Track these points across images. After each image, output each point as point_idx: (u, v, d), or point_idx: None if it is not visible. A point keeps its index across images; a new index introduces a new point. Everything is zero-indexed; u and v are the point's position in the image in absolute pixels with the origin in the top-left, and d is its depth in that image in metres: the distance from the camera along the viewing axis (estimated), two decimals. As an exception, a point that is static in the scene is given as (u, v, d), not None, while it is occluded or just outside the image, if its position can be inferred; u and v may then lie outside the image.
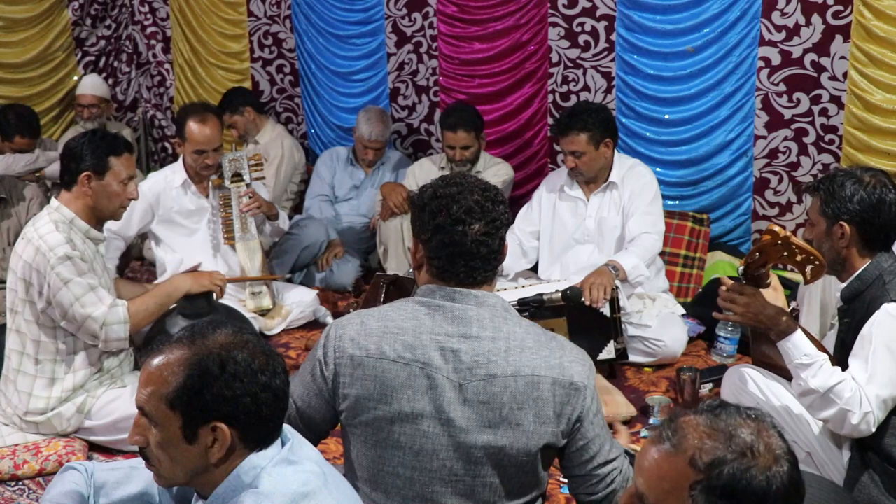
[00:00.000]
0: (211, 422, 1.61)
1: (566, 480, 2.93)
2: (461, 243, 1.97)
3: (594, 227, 4.02)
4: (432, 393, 1.94)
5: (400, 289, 3.93)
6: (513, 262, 4.12)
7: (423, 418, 1.95)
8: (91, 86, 5.55)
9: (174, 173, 4.14)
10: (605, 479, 2.03)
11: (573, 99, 4.83)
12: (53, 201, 3.16)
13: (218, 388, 1.60)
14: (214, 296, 3.48)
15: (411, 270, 4.15)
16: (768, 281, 2.51)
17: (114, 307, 3.10)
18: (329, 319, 4.33)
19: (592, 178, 4.02)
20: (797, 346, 2.48)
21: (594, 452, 2.02)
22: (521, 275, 4.19)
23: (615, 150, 4.02)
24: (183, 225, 4.15)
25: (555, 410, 1.95)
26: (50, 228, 3.06)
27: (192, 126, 4.00)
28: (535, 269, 4.25)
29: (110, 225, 3.97)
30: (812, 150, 4.37)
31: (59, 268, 3.01)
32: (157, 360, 1.65)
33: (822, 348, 2.62)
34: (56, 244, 3.02)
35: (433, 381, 1.94)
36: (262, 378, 1.63)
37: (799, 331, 2.50)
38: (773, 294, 2.49)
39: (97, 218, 3.21)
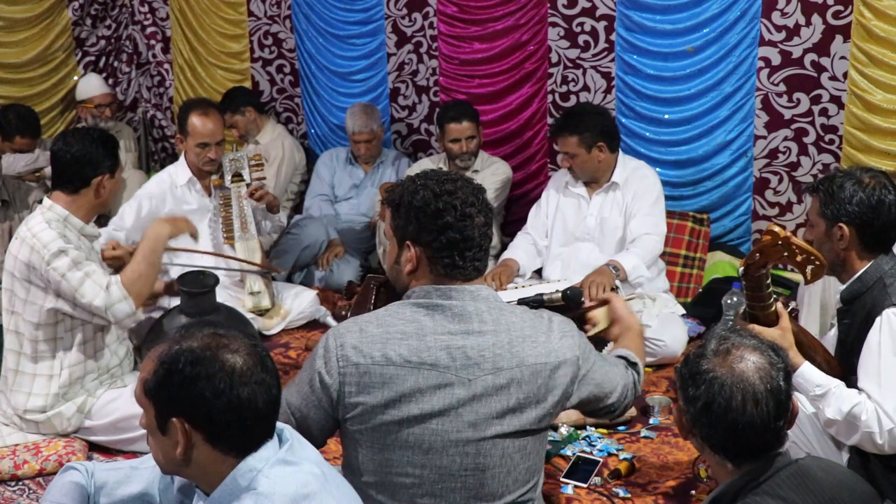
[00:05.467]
0: (171, 416, 1.65)
1: (567, 480, 2.96)
2: (470, 238, 2.03)
3: (594, 226, 4.02)
4: (441, 393, 1.96)
5: (390, 290, 3.92)
6: (528, 260, 4.14)
7: (432, 417, 1.97)
8: (99, 85, 5.60)
9: (177, 171, 4.15)
10: (619, 400, 2.21)
11: (573, 99, 4.83)
12: (46, 200, 3.16)
13: (174, 386, 1.64)
14: (214, 294, 3.48)
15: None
16: (772, 309, 2.47)
17: (108, 288, 3.07)
18: (329, 319, 4.33)
19: (593, 179, 4.03)
20: (808, 380, 2.46)
21: (606, 391, 2.16)
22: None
23: (617, 153, 4.02)
24: None
25: (553, 393, 2.03)
26: (43, 227, 3.06)
27: (195, 120, 4.01)
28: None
29: (116, 223, 3.99)
30: (812, 150, 4.37)
31: (54, 263, 3.01)
32: (153, 350, 1.72)
33: (822, 347, 2.62)
34: (49, 240, 3.02)
35: (441, 381, 1.96)
36: (220, 385, 1.62)
37: (806, 363, 2.48)
38: (779, 333, 2.47)
39: (96, 214, 3.24)
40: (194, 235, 3.49)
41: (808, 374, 2.46)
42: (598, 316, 2.52)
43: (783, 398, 1.77)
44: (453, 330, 1.99)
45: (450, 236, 2.01)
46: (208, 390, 1.62)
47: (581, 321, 2.46)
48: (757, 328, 2.44)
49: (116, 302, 3.07)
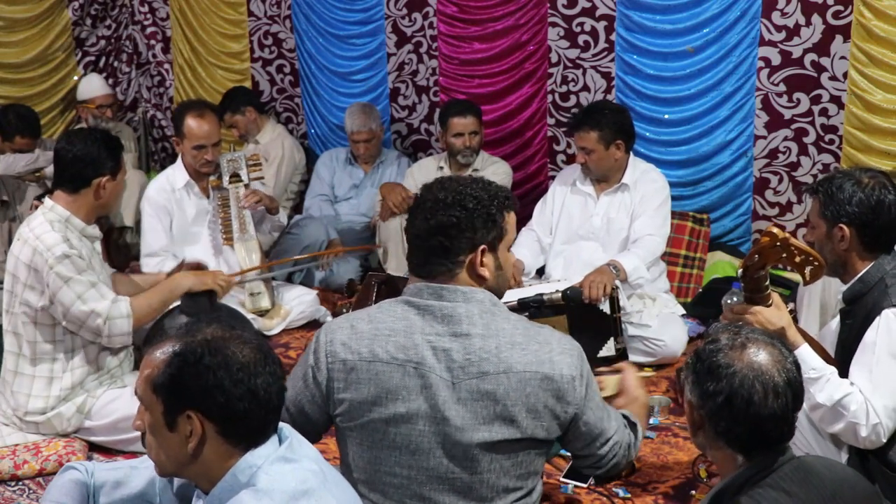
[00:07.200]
0: (185, 410, 1.65)
1: (566, 480, 2.96)
2: (413, 236, 2.08)
3: (600, 226, 4.03)
4: (426, 392, 1.96)
5: (392, 288, 3.94)
6: (532, 259, 4.14)
7: (419, 418, 1.96)
8: (101, 86, 5.61)
9: (175, 174, 4.14)
10: (608, 455, 2.14)
11: (573, 99, 4.83)
12: (47, 201, 3.16)
13: (191, 377, 1.65)
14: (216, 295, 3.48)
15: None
16: (770, 302, 2.49)
17: (116, 302, 3.09)
18: (329, 319, 4.33)
19: (603, 178, 4.04)
20: (804, 361, 2.45)
21: (595, 435, 2.10)
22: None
23: (630, 154, 4.03)
24: (187, 232, 4.15)
25: (546, 405, 1.99)
26: (46, 228, 3.06)
27: (191, 122, 4.01)
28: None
29: (155, 246, 4.00)
30: (812, 150, 4.37)
31: (57, 267, 3.01)
32: (152, 349, 1.72)
33: (822, 350, 2.62)
34: (53, 243, 3.02)
35: (426, 380, 1.96)
36: (239, 374, 1.65)
37: (806, 345, 2.49)
38: (777, 312, 2.48)
39: (97, 215, 3.23)
40: (223, 289, 3.46)
41: (806, 355, 2.47)
42: (608, 382, 2.48)
43: (799, 389, 1.81)
44: (441, 331, 1.99)
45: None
46: (227, 379, 1.64)
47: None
48: (755, 308, 2.46)
49: (119, 317, 3.08)
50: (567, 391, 2.00)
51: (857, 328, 2.53)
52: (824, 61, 4.22)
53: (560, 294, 3.55)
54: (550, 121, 4.94)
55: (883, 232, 2.53)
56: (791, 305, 3.61)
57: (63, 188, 3.14)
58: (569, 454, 3.09)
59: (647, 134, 4.68)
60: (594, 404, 2.09)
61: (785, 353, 1.82)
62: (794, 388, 1.79)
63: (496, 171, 4.73)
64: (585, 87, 4.80)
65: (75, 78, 5.83)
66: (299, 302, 4.33)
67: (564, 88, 4.85)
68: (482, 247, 2.04)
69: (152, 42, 6.07)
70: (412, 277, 2.09)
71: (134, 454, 3.06)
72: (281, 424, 1.75)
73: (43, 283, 3.04)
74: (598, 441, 2.12)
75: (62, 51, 5.78)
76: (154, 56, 6.09)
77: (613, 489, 2.95)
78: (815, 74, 4.25)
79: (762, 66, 4.36)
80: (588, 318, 3.61)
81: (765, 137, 4.46)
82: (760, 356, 1.79)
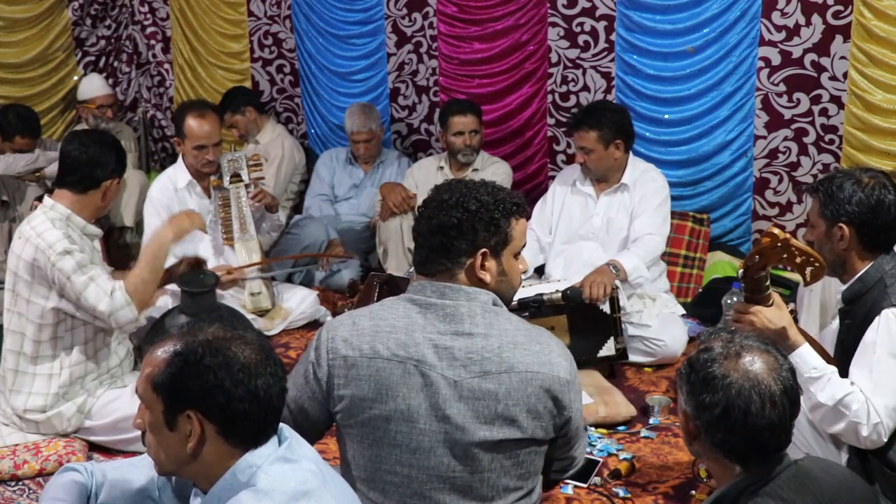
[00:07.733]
0: (186, 410, 1.65)
1: (567, 481, 2.96)
2: (415, 231, 2.13)
3: (600, 226, 4.03)
4: (427, 390, 1.96)
5: (394, 288, 3.94)
6: (532, 258, 4.13)
7: (419, 416, 1.97)
8: (101, 86, 5.59)
9: (177, 175, 4.15)
10: (578, 458, 2.24)
11: (572, 99, 4.83)
12: (47, 199, 3.17)
13: (191, 377, 1.65)
14: (217, 291, 3.48)
15: (410, 270, 4.17)
16: (770, 302, 2.50)
17: (113, 294, 3.07)
18: (329, 319, 4.32)
19: (603, 177, 4.04)
20: (805, 360, 2.46)
21: (575, 441, 2.15)
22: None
23: (629, 153, 4.03)
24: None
25: (546, 406, 2.00)
26: (47, 226, 3.06)
27: (191, 122, 4.01)
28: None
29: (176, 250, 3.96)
30: (812, 150, 4.37)
31: (59, 263, 3.01)
32: (154, 348, 1.72)
33: (822, 351, 2.62)
34: (54, 240, 3.03)
35: (427, 378, 1.96)
36: (239, 375, 1.65)
37: (806, 344, 2.49)
38: (778, 312, 2.48)
39: (97, 216, 3.25)
40: (202, 229, 3.50)
41: (807, 355, 2.47)
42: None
43: (796, 396, 1.79)
44: (443, 329, 1.99)
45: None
46: (228, 380, 1.64)
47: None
48: (756, 308, 2.46)
49: (119, 308, 3.07)
50: (564, 394, 2.02)
51: (856, 328, 2.53)
52: (824, 61, 4.22)
53: (560, 294, 3.55)
54: (550, 121, 4.94)
55: (882, 232, 2.53)
56: (791, 305, 3.61)
57: (71, 188, 3.14)
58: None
59: (647, 134, 4.68)
60: (580, 413, 2.13)
61: (780, 361, 1.80)
62: (790, 396, 1.77)
63: (496, 171, 4.73)
64: (585, 87, 4.80)
65: (75, 78, 5.83)
66: (299, 302, 4.33)
67: (564, 88, 4.85)
68: (483, 250, 2.04)
69: (152, 42, 6.06)
70: (417, 275, 2.10)
71: (134, 454, 3.05)
72: (281, 425, 1.75)
73: (49, 281, 3.04)
74: (576, 447, 2.17)
75: (62, 51, 5.78)
76: (154, 56, 6.09)
77: (613, 489, 2.95)
78: (815, 74, 4.25)
79: (762, 66, 4.36)
80: (588, 317, 3.62)
81: (765, 137, 4.46)
82: (756, 365, 1.77)
